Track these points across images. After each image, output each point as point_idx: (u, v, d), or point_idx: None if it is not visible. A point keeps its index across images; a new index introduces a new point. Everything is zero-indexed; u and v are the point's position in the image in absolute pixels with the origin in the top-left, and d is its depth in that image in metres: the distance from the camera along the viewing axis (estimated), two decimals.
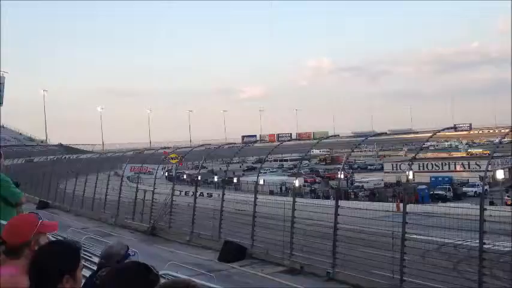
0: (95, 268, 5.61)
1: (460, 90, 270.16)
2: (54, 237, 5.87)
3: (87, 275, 3.77)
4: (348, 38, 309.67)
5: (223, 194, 23.36)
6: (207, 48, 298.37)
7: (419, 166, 51.09)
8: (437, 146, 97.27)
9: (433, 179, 49.50)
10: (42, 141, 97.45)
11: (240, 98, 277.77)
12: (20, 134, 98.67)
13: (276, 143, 44.55)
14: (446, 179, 49.66)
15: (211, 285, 10.62)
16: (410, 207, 16.59)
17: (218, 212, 22.74)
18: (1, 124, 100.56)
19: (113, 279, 1.64)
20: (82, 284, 2.65)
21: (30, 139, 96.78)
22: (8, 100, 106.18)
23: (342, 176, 24.99)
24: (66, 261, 2.27)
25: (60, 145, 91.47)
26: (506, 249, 15.00)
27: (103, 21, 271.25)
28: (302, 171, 56.48)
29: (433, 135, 19.39)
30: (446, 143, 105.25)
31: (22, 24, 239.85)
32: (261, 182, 33.58)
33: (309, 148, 31.97)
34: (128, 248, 3.85)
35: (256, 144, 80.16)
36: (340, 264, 16.75)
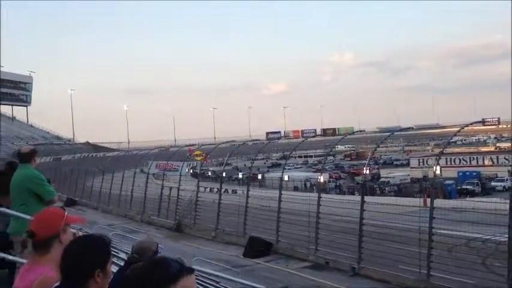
0: (121, 264, 5.67)
1: (484, 83, 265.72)
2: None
3: (114, 271, 3.81)
4: (370, 33, 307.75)
5: (248, 191, 23.39)
6: (230, 45, 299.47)
7: (446, 161, 50.35)
8: (464, 140, 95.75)
9: (460, 174, 48.75)
10: (69, 140, 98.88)
11: (264, 95, 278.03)
12: (48, 132, 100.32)
13: (301, 139, 44.41)
14: (474, 173, 48.85)
15: (238, 279, 10.65)
16: (437, 202, 16.36)
17: (243, 208, 22.80)
18: (29, 123, 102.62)
19: (148, 271, 1.65)
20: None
21: (58, 138, 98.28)
22: (36, 100, 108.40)
23: (368, 172, 24.76)
24: (97, 254, 2.28)
25: (87, 143, 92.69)
26: None
27: (125, 19, 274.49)
28: (327, 167, 56.24)
29: (460, 129, 19.03)
30: (474, 138, 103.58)
31: (48, 23, 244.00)
32: (286, 178, 33.56)
33: (333, 144, 31.79)
34: (158, 245, 3.90)
35: (280, 141, 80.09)
36: (366, 259, 16.64)
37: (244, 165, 65.11)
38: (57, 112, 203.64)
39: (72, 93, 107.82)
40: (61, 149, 72.17)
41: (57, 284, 2.21)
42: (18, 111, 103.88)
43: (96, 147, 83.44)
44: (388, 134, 34.27)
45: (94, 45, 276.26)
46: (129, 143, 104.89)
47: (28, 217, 4.55)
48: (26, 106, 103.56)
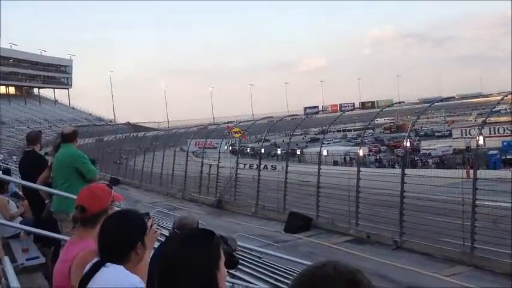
0: (163, 239, 5.80)
1: None
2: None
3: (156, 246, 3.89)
4: (410, 3, 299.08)
5: (287, 166, 23.41)
6: (265, 22, 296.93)
7: (490, 131, 48.92)
8: (509, 109, 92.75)
9: (505, 143, 47.38)
10: (110, 121, 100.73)
11: (301, 71, 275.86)
12: (90, 114, 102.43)
13: (339, 113, 43.99)
14: None
15: (280, 255, 10.74)
16: (481, 173, 16.01)
17: (282, 184, 22.86)
18: (71, 106, 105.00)
19: (182, 241, 1.68)
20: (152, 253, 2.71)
21: (100, 119, 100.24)
22: (77, 82, 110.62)
23: (408, 144, 24.36)
24: (134, 228, 2.32)
25: (128, 124, 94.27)
26: None
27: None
28: (366, 140, 55.55)
29: (504, 97, 18.48)
30: None
31: (86, 4, 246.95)
32: (325, 152, 33.41)
33: (372, 117, 31.31)
34: (198, 221, 3.97)
35: (318, 115, 79.48)
36: (408, 232, 16.50)
37: (283, 141, 64.96)
38: (98, 94, 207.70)
39: (112, 75, 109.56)
40: (103, 130, 73.66)
41: (98, 258, 2.26)
42: (60, 95, 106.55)
43: (136, 127, 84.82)
44: (428, 104, 33.57)
45: (133, 26, 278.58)
46: (168, 122, 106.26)
47: (72, 195, 4.67)
48: (68, 89, 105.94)
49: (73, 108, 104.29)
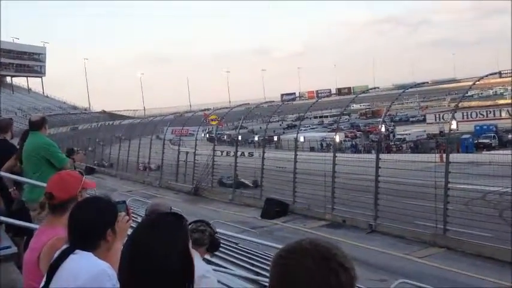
0: None
1: (503, 35, 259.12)
2: None
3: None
4: None
5: (264, 153, 23.49)
6: (242, 7, 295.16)
7: (463, 115, 49.70)
8: (481, 94, 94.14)
9: (477, 127, 48.18)
10: (85, 109, 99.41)
11: (277, 57, 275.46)
12: (64, 103, 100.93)
13: (315, 99, 44.14)
14: (491, 127, 48.24)
15: (257, 240, 10.81)
16: (453, 157, 16.30)
17: (259, 170, 22.96)
18: (45, 94, 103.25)
19: (149, 226, 1.71)
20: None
21: (74, 107, 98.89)
22: (51, 71, 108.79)
23: (383, 129, 24.67)
24: (106, 215, 2.31)
25: (103, 112, 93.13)
26: None
27: None
28: (342, 126, 55.99)
29: (475, 82, 18.80)
30: (490, 91, 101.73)
31: None
32: (301, 139, 33.49)
33: (348, 103, 31.55)
34: (171, 207, 3.98)
35: (295, 102, 79.66)
36: (383, 216, 16.78)
37: (260, 127, 64.91)
38: (73, 82, 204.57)
39: (86, 63, 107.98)
40: (78, 119, 72.71)
41: (67, 246, 2.24)
42: (34, 83, 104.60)
43: (112, 116, 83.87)
44: (402, 90, 33.93)
45: (109, 14, 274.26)
46: (144, 110, 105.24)
47: (43, 184, 4.63)
48: (41, 77, 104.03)
49: (47, 96, 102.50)
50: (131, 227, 2.51)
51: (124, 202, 2.60)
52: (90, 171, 35.91)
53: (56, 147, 5.55)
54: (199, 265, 3.49)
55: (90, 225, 2.26)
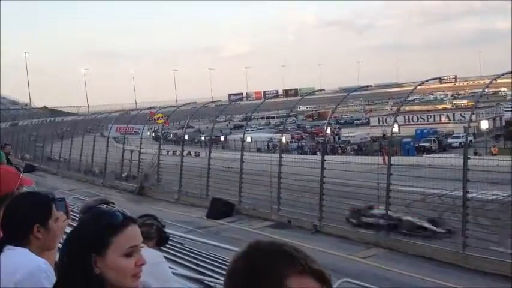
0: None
1: (446, 41, 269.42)
2: None
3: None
4: None
5: (210, 152, 23.40)
6: (189, 4, 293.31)
7: (405, 119, 51.22)
8: (422, 98, 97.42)
9: (418, 131, 49.74)
10: (26, 105, 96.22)
11: (225, 56, 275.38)
12: (3, 97, 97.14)
13: (262, 100, 44.39)
14: (432, 131, 49.94)
15: (202, 240, 10.74)
16: (395, 160, 16.74)
17: (205, 170, 22.84)
18: None
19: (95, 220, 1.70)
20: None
21: (14, 102, 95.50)
22: None
23: (329, 131, 25.05)
24: (34, 209, 2.23)
25: (45, 108, 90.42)
26: (490, 197, 15.30)
27: None
28: (289, 127, 56.52)
29: (416, 87, 19.43)
30: (431, 96, 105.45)
31: None
32: (248, 139, 33.61)
33: (294, 104, 31.93)
34: (108, 203, 3.83)
35: (242, 102, 79.89)
36: (327, 217, 17.01)
37: (207, 127, 64.61)
38: (12, 76, 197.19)
39: (27, 57, 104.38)
40: (17, 114, 70.17)
41: None
42: None
43: (54, 112, 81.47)
44: (346, 93, 34.64)
45: (53, 7, 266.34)
46: (88, 107, 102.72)
47: None
48: None
49: None
50: (69, 225, 2.43)
51: (63, 199, 2.50)
52: (30, 169, 34.66)
53: None
54: (152, 253, 3.43)
55: (17, 219, 2.19)
